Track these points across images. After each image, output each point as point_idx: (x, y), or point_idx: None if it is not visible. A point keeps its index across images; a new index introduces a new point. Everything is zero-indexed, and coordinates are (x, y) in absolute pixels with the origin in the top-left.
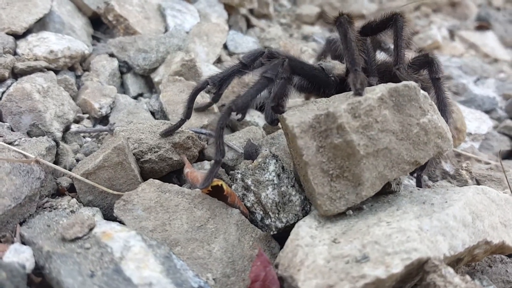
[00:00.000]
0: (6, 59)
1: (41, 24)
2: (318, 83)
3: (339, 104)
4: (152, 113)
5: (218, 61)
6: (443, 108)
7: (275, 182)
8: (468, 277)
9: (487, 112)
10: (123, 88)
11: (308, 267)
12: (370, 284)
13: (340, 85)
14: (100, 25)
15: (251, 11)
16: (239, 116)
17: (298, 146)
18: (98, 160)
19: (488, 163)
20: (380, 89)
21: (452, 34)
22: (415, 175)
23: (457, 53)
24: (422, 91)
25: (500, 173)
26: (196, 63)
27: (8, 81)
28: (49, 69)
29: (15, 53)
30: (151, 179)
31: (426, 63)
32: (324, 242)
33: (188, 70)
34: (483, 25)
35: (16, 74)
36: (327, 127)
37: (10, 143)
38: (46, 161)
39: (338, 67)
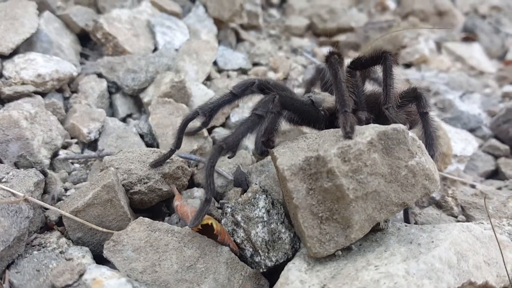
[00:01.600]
0: None
1: (28, 43)
2: (307, 118)
3: (329, 147)
4: (141, 136)
5: (208, 79)
6: (430, 142)
7: (265, 219)
8: None
9: (472, 130)
10: (111, 108)
11: None
12: None
13: (329, 119)
14: (88, 41)
15: (241, 24)
16: (230, 154)
17: (288, 189)
18: (88, 197)
19: (473, 186)
20: (370, 133)
21: (439, 46)
22: None
23: (444, 67)
24: (410, 134)
25: (486, 200)
26: (186, 83)
27: None
28: (36, 92)
29: (1, 75)
30: (141, 217)
31: (414, 98)
32: None
33: (177, 92)
34: (469, 36)
35: (3, 100)
36: (317, 170)
37: None
38: (35, 200)
39: (328, 99)
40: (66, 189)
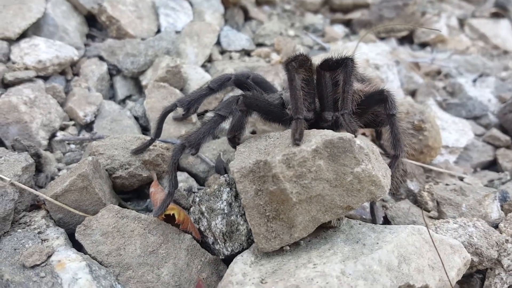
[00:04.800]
0: None
1: (35, 27)
2: (273, 117)
3: (278, 153)
4: (136, 118)
5: (209, 60)
6: (396, 143)
7: (226, 211)
8: None
9: (477, 118)
10: (112, 90)
11: None
12: None
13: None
14: (96, 22)
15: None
16: (193, 151)
17: (238, 189)
18: (65, 184)
19: (461, 178)
20: (316, 141)
21: (462, 24)
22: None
23: (462, 47)
24: (358, 142)
25: (461, 197)
26: (181, 68)
27: None
28: (38, 76)
29: (8, 59)
30: (111, 205)
31: (381, 100)
32: (252, 282)
33: (173, 76)
34: (498, 12)
35: (7, 84)
36: (265, 173)
37: None
38: (20, 184)
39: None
40: (59, 169)
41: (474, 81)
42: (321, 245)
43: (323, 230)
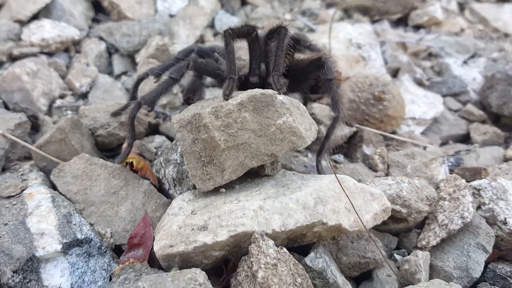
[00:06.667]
0: (4, 47)
1: (46, 11)
2: (221, 80)
3: (209, 106)
4: (128, 90)
5: (202, 41)
6: (334, 105)
7: (178, 162)
8: (284, 250)
9: (456, 94)
10: (111, 66)
11: (164, 230)
12: (198, 247)
13: (244, 83)
14: (101, 8)
15: None
16: (149, 108)
17: (176, 137)
18: (47, 136)
19: (425, 147)
20: (241, 96)
21: (462, 8)
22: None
23: (456, 29)
24: (280, 98)
25: (408, 160)
26: (169, 47)
27: (6, 65)
28: (43, 53)
29: (19, 39)
30: (83, 153)
31: (319, 66)
32: (185, 213)
33: (161, 53)
34: None
35: (14, 59)
36: (198, 124)
37: None
38: (11, 136)
39: (247, 66)
40: None
41: (466, 61)
42: (251, 188)
43: (259, 178)
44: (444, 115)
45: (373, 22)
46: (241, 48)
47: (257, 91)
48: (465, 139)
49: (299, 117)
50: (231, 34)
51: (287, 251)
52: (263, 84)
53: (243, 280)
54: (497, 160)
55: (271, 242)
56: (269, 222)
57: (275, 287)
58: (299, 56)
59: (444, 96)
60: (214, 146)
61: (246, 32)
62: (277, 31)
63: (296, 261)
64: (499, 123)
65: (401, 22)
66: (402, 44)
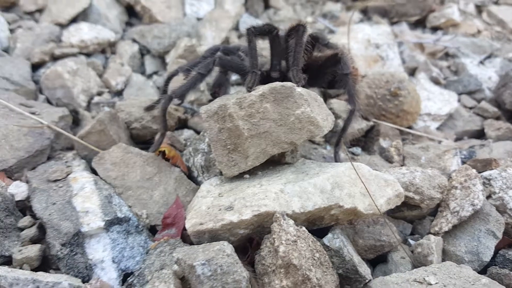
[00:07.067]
0: (46, 47)
1: (84, 14)
2: (244, 75)
3: (233, 97)
4: (158, 88)
5: (227, 43)
6: (350, 98)
7: (206, 151)
8: (304, 228)
9: (472, 92)
10: (143, 67)
11: (195, 210)
12: (226, 225)
13: (266, 78)
14: (134, 12)
15: None
16: (179, 101)
17: (204, 127)
18: (88, 127)
19: (440, 142)
20: (263, 88)
21: (480, 10)
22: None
23: (473, 31)
24: (298, 89)
25: (423, 152)
26: (197, 48)
27: (49, 64)
28: (82, 53)
29: (60, 41)
30: (120, 143)
31: (336, 62)
32: (212, 195)
33: (190, 54)
34: None
35: (56, 58)
36: (224, 114)
37: (33, 113)
38: (55, 127)
39: (269, 63)
40: None
41: (482, 61)
42: (273, 174)
43: (280, 165)
44: (459, 111)
45: (392, 24)
46: (264, 49)
47: (277, 83)
48: (480, 135)
49: (316, 108)
50: (254, 32)
51: (306, 230)
52: (284, 79)
53: (266, 255)
54: (509, 154)
55: (291, 221)
56: (289, 203)
57: (295, 260)
58: (317, 53)
59: (460, 94)
60: (239, 135)
61: (268, 30)
62: (296, 29)
63: (314, 239)
64: None
65: (420, 24)
66: (420, 45)
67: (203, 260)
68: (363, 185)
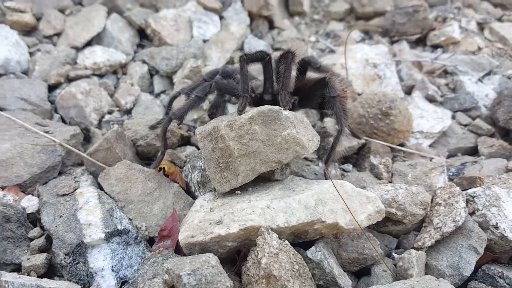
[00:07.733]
0: (62, 70)
1: (99, 38)
2: (238, 98)
3: (225, 120)
4: (165, 107)
5: (232, 63)
6: (337, 120)
7: (202, 168)
8: (286, 242)
9: (467, 110)
10: (152, 86)
11: (188, 224)
12: (214, 238)
13: (259, 100)
14: (145, 34)
15: (287, 8)
16: (178, 122)
17: (199, 146)
18: (96, 145)
19: (431, 159)
20: (252, 112)
21: (482, 28)
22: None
23: (473, 48)
24: (285, 112)
25: (410, 169)
26: (202, 68)
27: (64, 85)
28: (95, 75)
29: (75, 63)
30: (124, 160)
31: (324, 85)
32: (205, 210)
33: (195, 74)
34: None
35: (70, 80)
36: (217, 135)
37: (47, 132)
38: (66, 145)
39: (262, 86)
40: None
41: (480, 78)
42: (262, 190)
43: (269, 182)
44: (452, 129)
45: (393, 42)
46: (261, 73)
47: (266, 107)
48: (474, 152)
49: (302, 130)
50: (246, 59)
51: (288, 243)
52: (275, 101)
53: (250, 266)
54: (499, 171)
55: (275, 235)
56: (275, 218)
57: (275, 271)
58: (309, 76)
59: (456, 111)
60: (230, 154)
61: (260, 57)
62: (285, 56)
63: (296, 252)
64: (508, 137)
65: (420, 42)
66: (418, 63)
67: (189, 270)
68: (343, 202)
